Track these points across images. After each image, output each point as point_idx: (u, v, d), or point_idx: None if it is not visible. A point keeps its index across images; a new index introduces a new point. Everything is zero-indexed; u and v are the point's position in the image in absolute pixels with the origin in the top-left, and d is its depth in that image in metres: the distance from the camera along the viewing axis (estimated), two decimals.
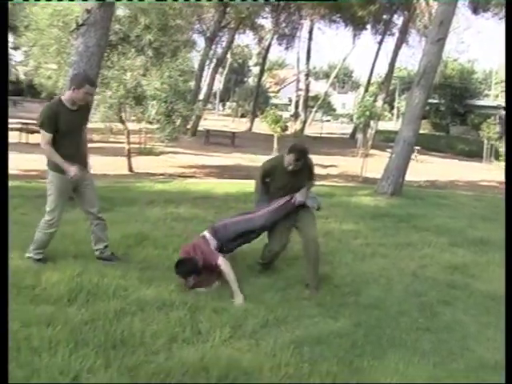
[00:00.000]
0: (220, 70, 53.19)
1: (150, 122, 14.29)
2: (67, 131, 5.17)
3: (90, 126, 14.82)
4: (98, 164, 15.11)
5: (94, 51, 8.73)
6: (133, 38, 13.31)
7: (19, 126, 20.19)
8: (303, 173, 5.77)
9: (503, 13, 29.48)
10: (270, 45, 40.81)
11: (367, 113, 22.04)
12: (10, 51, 67.44)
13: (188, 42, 15.24)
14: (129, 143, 14.73)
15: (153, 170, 14.85)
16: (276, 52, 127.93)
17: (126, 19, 13.50)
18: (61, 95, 5.48)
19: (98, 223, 5.66)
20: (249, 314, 4.49)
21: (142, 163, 15.83)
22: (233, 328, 4.18)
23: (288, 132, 28.40)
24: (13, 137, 19.73)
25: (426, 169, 22.49)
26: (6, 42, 6.50)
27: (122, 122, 14.52)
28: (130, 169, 14.44)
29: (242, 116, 50.80)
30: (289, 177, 5.65)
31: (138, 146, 18.25)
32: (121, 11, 13.42)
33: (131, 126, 15.62)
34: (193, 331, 4.06)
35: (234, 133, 27.34)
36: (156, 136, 14.60)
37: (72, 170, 5.10)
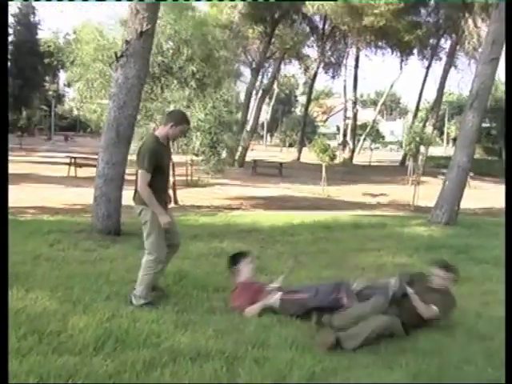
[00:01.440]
0: (267, 100, 53.52)
1: (196, 154, 14.09)
2: (161, 167, 5.14)
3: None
4: None
5: (133, 83, 8.56)
6: (176, 70, 13.23)
7: (68, 159, 20.43)
8: None
9: None
10: (316, 74, 40.69)
11: (417, 139, 21.42)
12: (62, 87, 69.73)
13: (231, 72, 15.03)
14: (174, 175, 14.56)
15: (198, 203, 14.62)
16: (322, 81, 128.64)
17: (168, 51, 13.44)
18: (154, 131, 5.53)
19: (176, 251, 5.69)
20: (294, 363, 4.01)
21: (187, 195, 15.64)
22: (275, 382, 3.72)
23: (336, 161, 27.93)
24: (61, 171, 20.03)
25: (480, 195, 21.61)
26: (6, 41, 6.51)
27: None
28: (176, 201, 14.22)
29: (290, 146, 50.72)
30: None
31: (184, 178, 18.12)
32: (164, 43, 13.37)
33: (177, 158, 15.48)
34: None
35: (281, 163, 27.04)
36: (201, 168, 14.37)
37: (166, 219, 5.07)
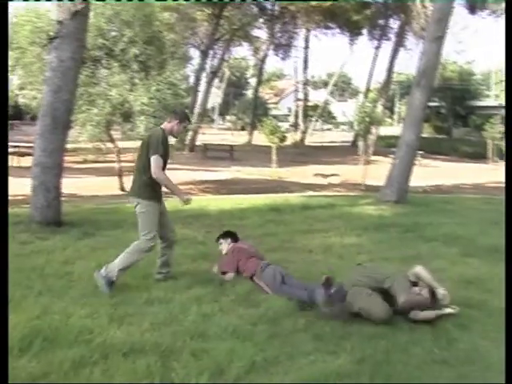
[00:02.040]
0: (219, 84, 52.95)
1: (141, 139, 13.68)
2: (165, 158, 5.42)
3: (78, 146, 14.40)
4: (88, 185, 14.66)
5: (68, 65, 8.16)
6: (117, 53, 12.75)
7: (11, 149, 19.66)
8: None
9: (500, 10, 29.00)
10: (266, 56, 40.40)
11: (367, 119, 21.47)
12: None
13: (176, 54, 14.61)
14: (119, 161, 14.15)
15: None
16: (273, 63, 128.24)
17: (109, 33, 12.95)
18: (164, 127, 5.66)
19: (172, 248, 5.79)
20: (234, 355, 3.82)
21: None
22: (212, 375, 3.53)
23: (287, 142, 27.84)
24: None
25: (429, 173, 21.88)
26: (6, 41, 6.76)
27: (112, 140, 13.94)
28: (122, 188, 13.83)
29: (242, 129, 50.40)
30: None
31: (131, 164, 17.66)
32: (104, 25, 12.87)
33: (123, 144, 15.05)
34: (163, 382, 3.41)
35: (232, 146, 26.75)
36: None
37: (185, 196, 5.54)
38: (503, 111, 39.71)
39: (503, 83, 55.51)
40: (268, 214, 10.31)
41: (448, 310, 4.85)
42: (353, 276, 5.16)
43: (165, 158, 5.40)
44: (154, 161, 5.24)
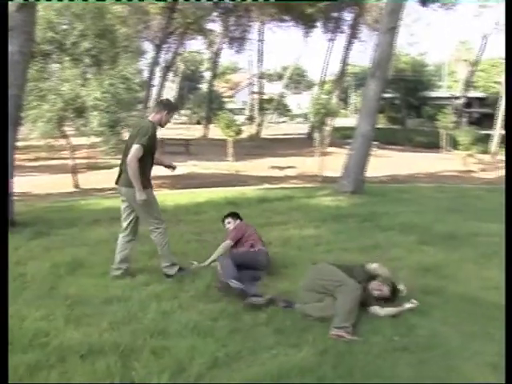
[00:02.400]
0: (173, 78, 52.42)
1: (95, 135, 13.39)
2: (152, 151, 5.46)
3: (29, 143, 14.03)
4: (41, 183, 14.29)
5: (16, 59, 7.87)
6: (68, 46, 12.44)
7: None
8: None
9: (451, 3, 29.56)
10: (220, 49, 40.19)
11: (323, 110, 21.58)
12: None
13: (130, 47, 14.36)
14: (73, 158, 13.84)
15: (101, 185, 13.98)
16: (228, 56, 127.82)
17: (60, 26, 12.62)
18: (147, 116, 5.75)
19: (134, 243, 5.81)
20: (195, 351, 3.77)
21: (90, 179, 14.97)
22: (174, 373, 3.46)
23: (243, 136, 27.79)
24: None
25: (385, 163, 22.17)
26: (6, 42, 6.81)
27: (65, 136, 13.62)
28: (76, 186, 13.55)
29: (198, 123, 50.10)
30: None
31: (85, 161, 17.34)
32: (54, 18, 12.53)
33: (76, 140, 14.74)
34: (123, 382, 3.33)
35: (187, 140, 26.50)
36: (102, 149, 13.69)
37: (142, 196, 5.32)
38: (455, 101, 40.72)
39: (455, 74, 56.85)
40: (225, 207, 10.20)
41: (408, 306, 4.87)
42: (308, 279, 5.09)
43: (152, 150, 5.44)
44: (134, 149, 5.25)
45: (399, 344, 4.21)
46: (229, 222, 6.61)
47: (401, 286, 5.03)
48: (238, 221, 6.66)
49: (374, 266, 5.35)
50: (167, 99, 7.39)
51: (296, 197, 12.05)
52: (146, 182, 5.42)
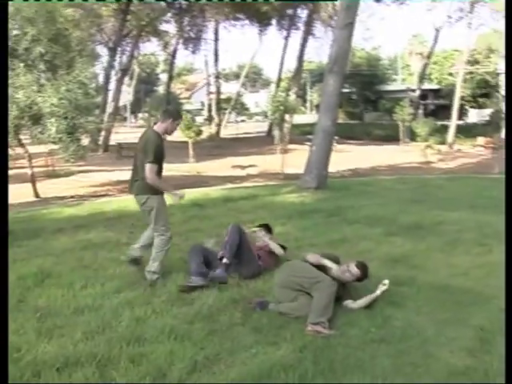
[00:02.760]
0: (129, 81, 51.84)
1: (53, 142, 13.08)
2: (162, 160, 5.63)
3: None
4: None
5: None
6: (21, 52, 12.13)
7: None
8: None
9: None
10: (175, 50, 39.88)
11: (281, 107, 21.63)
12: None
13: (85, 52, 14.09)
14: (31, 167, 13.51)
15: (62, 193, 13.69)
16: (183, 57, 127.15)
17: (11, 31, 12.29)
18: (152, 127, 5.77)
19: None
20: (174, 356, 3.71)
21: (49, 187, 14.65)
22: (154, 380, 3.40)
23: (203, 136, 27.65)
24: None
25: (345, 158, 22.34)
26: (6, 42, 6.75)
27: (21, 145, 13.28)
28: (37, 195, 13.24)
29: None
30: None
31: (44, 169, 16.98)
32: None
33: (33, 148, 14.40)
34: None
35: None
36: (61, 156, 13.41)
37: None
38: (411, 94, 41.36)
39: (409, 67, 57.79)
40: (190, 209, 10.15)
41: (379, 291, 4.90)
42: (282, 276, 5.08)
43: (160, 160, 5.58)
44: (148, 168, 5.41)
45: (376, 335, 4.25)
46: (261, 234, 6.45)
47: (385, 281, 5.02)
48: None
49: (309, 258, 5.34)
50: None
51: (260, 195, 12.04)
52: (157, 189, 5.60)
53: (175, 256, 6.39)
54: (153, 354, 3.74)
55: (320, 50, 69.14)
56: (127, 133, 44.66)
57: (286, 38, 38.59)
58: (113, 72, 31.88)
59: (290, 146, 22.75)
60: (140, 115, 65.61)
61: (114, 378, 3.42)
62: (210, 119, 42.80)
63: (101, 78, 28.46)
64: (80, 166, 17.11)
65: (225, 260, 5.52)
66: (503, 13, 34.35)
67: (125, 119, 63.07)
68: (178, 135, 27.82)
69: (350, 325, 4.44)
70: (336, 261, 5.29)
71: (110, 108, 29.70)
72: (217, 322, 4.43)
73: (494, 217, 9.48)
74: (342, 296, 4.88)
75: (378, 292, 4.88)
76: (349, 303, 4.88)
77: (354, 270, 5.07)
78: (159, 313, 4.58)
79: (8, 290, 3.89)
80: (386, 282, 4.92)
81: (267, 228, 6.54)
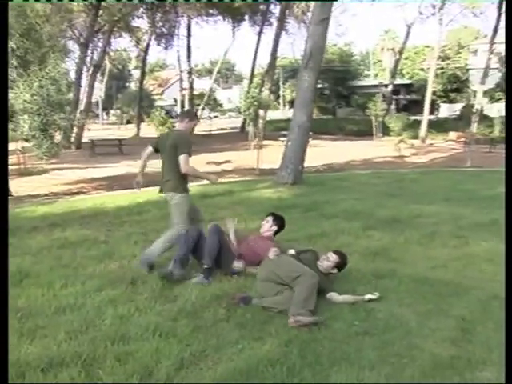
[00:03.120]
0: (100, 77, 51.27)
1: (26, 139, 12.88)
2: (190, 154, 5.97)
3: None
4: None
5: None
6: None
7: None
8: None
9: None
10: (148, 46, 39.62)
11: (255, 103, 21.65)
12: None
13: (57, 47, 13.88)
14: None
15: (35, 191, 13.51)
16: (156, 53, 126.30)
17: None
18: (179, 127, 6.27)
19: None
20: (160, 354, 3.68)
21: (22, 185, 14.44)
22: (142, 378, 3.37)
23: None
24: None
25: (320, 153, 22.42)
26: (6, 41, 6.88)
27: None
28: (9, 193, 13.01)
29: (128, 122, 49.34)
30: None
31: (16, 167, 16.70)
32: None
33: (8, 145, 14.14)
34: None
35: (120, 140, 26.01)
36: (34, 154, 13.19)
37: (214, 176, 6.51)
38: (383, 89, 41.72)
39: (381, 63, 58.28)
40: (167, 206, 10.07)
41: (368, 297, 4.93)
42: (265, 270, 5.08)
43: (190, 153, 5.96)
44: (183, 159, 5.78)
45: (360, 328, 4.28)
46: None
47: (375, 294, 5.07)
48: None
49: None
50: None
51: (237, 191, 12.01)
52: (185, 186, 6.01)
53: None
54: (138, 352, 3.69)
55: (293, 46, 69.45)
56: (99, 130, 44.36)
57: (259, 33, 38.61)
58: (84, 68, 31.52)
59: (264, 142, 22.78)
60: (112, 112, 65.12)
61: (100, 377, 3.37)
62: None
63: (72, 74, 28.17)
64: (53, 163, 16.87)
65: (205, 266, 5.47)
66: (473, 9, 34.93)
67: (97, 116, 62.34)
68: (149, 132, 27.71)
69: (333, 319, 4.45)
70: (315, 255, 5.36)
71: (82, 104, 29.30)
72: (201, 319, 4.41)
73: (469, 209, 9.65)
74: (325, 289, 4.90)
75: (366, 297, 4.91)
76: (333, 295, 4.90)
77: (333, 257, 5.18)
78: (143, 310, 4.53)
79: (8, 289, 3.86)
80: (377, 294, 4.95)
81: (278, 219, 6.39)
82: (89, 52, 32.50)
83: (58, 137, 13.21)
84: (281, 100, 64.62)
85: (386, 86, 42.23)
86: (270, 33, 43.43)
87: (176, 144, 5.84)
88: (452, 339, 4.11)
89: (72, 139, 25.06)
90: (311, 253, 5.50)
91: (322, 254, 5.35)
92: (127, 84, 72.69)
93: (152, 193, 11.76)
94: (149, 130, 27.56)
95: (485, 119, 31.96)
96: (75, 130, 24.31)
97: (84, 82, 31.77)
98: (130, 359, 3.61)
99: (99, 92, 56.29)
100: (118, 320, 4.32)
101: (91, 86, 30.73)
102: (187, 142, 5.91)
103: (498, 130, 32.16)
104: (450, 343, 4.04)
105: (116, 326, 4.19)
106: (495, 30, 31.11)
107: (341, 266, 5.25)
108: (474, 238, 7.43)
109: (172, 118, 31.12)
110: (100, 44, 34.49)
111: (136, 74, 60.54)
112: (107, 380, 3.32)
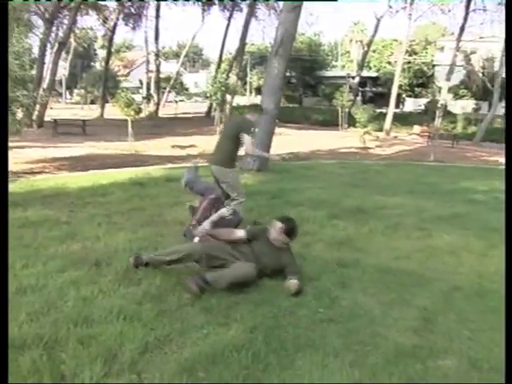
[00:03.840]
0: (64, 55, 50.15)
1: None
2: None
3: None
4: None
5: None
6: None
7: None
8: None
9: None
10: (115, 25, 38.84)
11: (222, 88, 21.50)
12: None
13: (21, 21, 13.45)
14: None
15: None
16: (123, 33, 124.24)
17: None
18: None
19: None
20: (124, 337, 3.62)
21: None
22: (106, 362, 3.31)
23: (142, 115, 27.18)
24: None
25: (285, 141, 22.43)
26: (6, 41, 6.85)
27: None
28: None
29: (92, 102, 48.52)
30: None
31: None
32: None
33: None
34: (53, 377, 3.13)
35: (84, 120, 25.53)
36: None
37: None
38: (350, 81, 41.96)
39: (349, 54, 58.54)
40: (131, 188, 9.94)
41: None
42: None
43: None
44: (249, 141, 6.59)
45: (325, 316, 4.30)
46: None
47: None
48: None
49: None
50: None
51: (202, 175, 11.91)
52: (235, 163, 6.89)
53: (119, 234, 6.26)
54: (102, 336, 3.63)
55: (262, 33, 69.00)
56: (62, 109, 43.44)
57: (229, 18, 38.32)
58: (49, 45, 30.73)
59: None
60: (76, 91, 63.83)
61: (63, 360, 3.30)
62: (148, 97, 42.02)
63: (36, 51, 27.42)
64: (13, 141, 16.45)
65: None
66: (441, 6, 35.32)
67: (60, 95, 61.05)
68: (114, 113, 27.29)
69: (298, 306, 4.47)
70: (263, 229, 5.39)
71: (45, 82, 28.61)
72: (165, 303, 4.36)
73: (432, 202, 9.82)
74: (286, 265, 5.00)
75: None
76: (291, 284, 4.81)
77: (277, 225, 5.19)
78: (106, 293, 4.45)
79: (8, 288, 3.81)
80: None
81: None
82: (54, 28, 31.63)
83: (19, 114, 12.85)
84: (247, 86, 64.41)
85: (353, 77, 42.46)
86: (239, 18, 43.04)
87: (241, 126, 6.65)
88: (414, 328, 4.18)
89: (34, 117, 24.44)
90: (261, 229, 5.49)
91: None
92: (92, 63, 71.36)
93: (117, 174, 11.65)
94: (113, 111, 27.11)
95: (448, 115, 32.50)
96: (37, 108, 23.76)
97: (48, 59, 30.93)
98: (94, 342, 3.54)
99: (63, 70, 55.08)
100: (81, 302, 4.23)
101: (55, 64, 29.96)
102: (253, 125, 6.82)
103: (460, 127, 32.80)
104: (412, 332, 4.11)
105: (79, 308, 4.11)
106: (462, 29, 31.54)
107: (289, 231, 5.21)
108: (436, 230, 7.56)
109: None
110: (66, 21, 33.57)
111: (102, 53, 59.34)
112: (70, 363, 3.25)
